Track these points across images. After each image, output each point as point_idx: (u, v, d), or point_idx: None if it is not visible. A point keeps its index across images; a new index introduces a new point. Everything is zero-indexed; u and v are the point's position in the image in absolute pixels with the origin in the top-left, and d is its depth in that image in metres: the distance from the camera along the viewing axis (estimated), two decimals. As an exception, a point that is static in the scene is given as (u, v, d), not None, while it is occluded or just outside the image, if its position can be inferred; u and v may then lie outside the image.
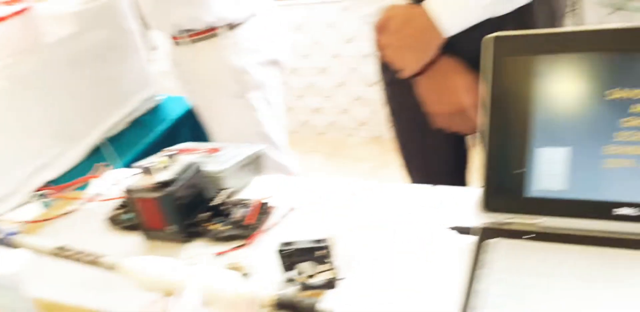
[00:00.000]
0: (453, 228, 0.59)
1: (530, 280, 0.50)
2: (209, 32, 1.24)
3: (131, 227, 0.72)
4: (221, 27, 1.24)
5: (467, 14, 0.75)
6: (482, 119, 0.56)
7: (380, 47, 0.81)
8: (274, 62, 1.35)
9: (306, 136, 2.53)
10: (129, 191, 0.66)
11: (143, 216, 0.68)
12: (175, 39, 1.29)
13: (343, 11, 2.03)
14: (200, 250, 0.66)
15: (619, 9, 1.47)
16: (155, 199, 0.65)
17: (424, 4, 0.76)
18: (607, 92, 0.51)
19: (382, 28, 0.81)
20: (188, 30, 1.25)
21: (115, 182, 0.85)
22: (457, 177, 1.06)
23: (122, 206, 0.75)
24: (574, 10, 1.60)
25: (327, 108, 2.40)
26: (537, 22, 0.81)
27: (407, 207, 0.67)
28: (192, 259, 0.64)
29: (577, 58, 0.51)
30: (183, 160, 0.68)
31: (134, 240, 0.71)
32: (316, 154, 2.40)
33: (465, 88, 0.81)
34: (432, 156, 1.00)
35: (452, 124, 0.85)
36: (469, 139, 1.03)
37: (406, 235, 0.62)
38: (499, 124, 0.55)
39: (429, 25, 0.75)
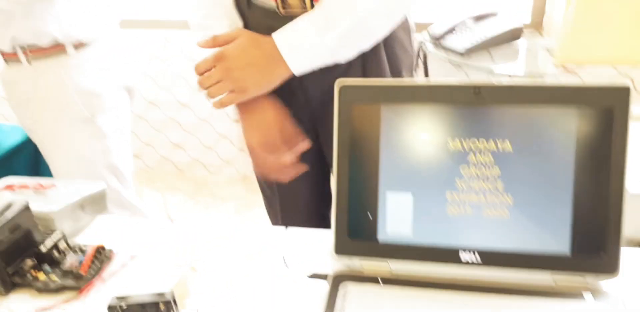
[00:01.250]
0: (311, 276, 0.58)
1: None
2: (55, 50, 1.13)
3: None
4: (68, 44, 1.13)
5: (312, 53, 0.76)
6: (335, 165, 0.56)
7: (221, 57, 0.78)
8: (125, 87, 1.27)
9: (166, 173, 2.42)
10: None
11: (-51, 265, 0.57)
12: (8, 55, 1.14)
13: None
14: (22, 304, 0.57)
15: (457, 66, 1.63)
16: (-35, 245, 0.55)
17: (272, 35, 0.77)
18: (449, 141, 0.54)
19: (227, 42, 0.79)
20: (27, 47, 1.12)
21: None
22: (319, 216, 1.07)
23: None
24: (424, 63, 1.74)
25: (190, 144, 2.32)
26: (384, 71, 0.86)
27: (263, 251, 0.64)
28: (7, 316, 0.55)
29: (419, 108, 0.54)
30: (3, 198, 0.59)
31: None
32: (177, 192, 2.29)
33: (271, 125, 0.82)
34: (288, 195, 0.99)
35: (265, 170, 0.86)
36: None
37: (262, 282, 0.59)
38: (348, 169, 0.56)
39: (275, 54, 0.76)
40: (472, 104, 0.53)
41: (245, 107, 0.83)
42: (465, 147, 0.53)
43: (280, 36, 0.76)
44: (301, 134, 0.84)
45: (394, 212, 0.55)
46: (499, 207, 0.53)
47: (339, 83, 0.56)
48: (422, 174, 0.54)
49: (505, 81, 0.53)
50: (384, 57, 0.85)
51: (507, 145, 0.53)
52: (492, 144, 0.53)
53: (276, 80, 0.78)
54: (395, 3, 0.76)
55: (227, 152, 2.30)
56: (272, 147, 0.83)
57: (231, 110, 2.25)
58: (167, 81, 2.17)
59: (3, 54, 1.15)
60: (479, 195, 0.54)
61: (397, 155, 0.55)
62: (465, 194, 0.54)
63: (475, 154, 0.53)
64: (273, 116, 0.82)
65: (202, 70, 0.79)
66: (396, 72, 0.87)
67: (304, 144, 0.84)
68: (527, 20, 1.77)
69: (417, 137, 0.54)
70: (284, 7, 0.79)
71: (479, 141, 0.53)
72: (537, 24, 1.78)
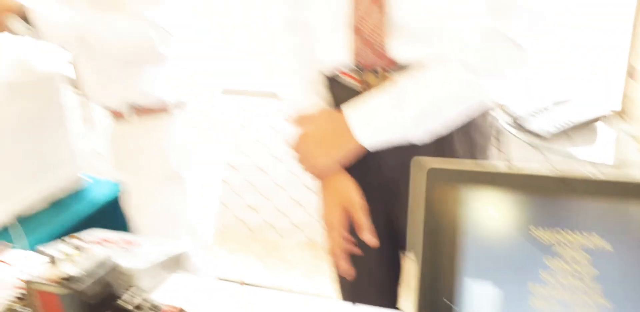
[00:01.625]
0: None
1: None
2: (159, 109, 1.21)
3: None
4: (173, 105, 1.22)
5: (382, 128, 0.79)
6: (413, 247, 0.55)
7: (301, 135, 0.85)
8: (218, 144, 1.34)
9: (239, 234, 2.46)
10: (29, 282, 0.60)
11: (41, 312, 0.61)
12: (118, 114, 1.24)
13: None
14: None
15: (535, 148, 1.60)
16: (59, 295, 0.59)
17: (342, 107, 0.82)
18: (532, 229, 0.52)
19: (303, 119, 0.86)
20: (134, 106, 1.21)
21: (18, 267, 0.77)
22: (387, 292, 1.04)
23: (20, 298, 0.67)
24: (498, 141, 1.72)
25: (264, 208, 2.37)
26: (457, 152, 0.86)
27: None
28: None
29: (504, 194, 0.53)
30: (96, 253, 0.62)
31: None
32: (249, 254, 2.33)
33: (339, 207, 0.84)
34: (358, 268, 0.98)
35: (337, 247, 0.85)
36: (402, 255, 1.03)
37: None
38: (429, 253, 0.55)
39: (344, 126, 0.80)
40: (559, 195, 0.52)
41: (325, 183, 0.86)
42: (550, 237, 0.52)
43: (350, 109, 0.80)
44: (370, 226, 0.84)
45: (473, 301, 0.53)
46: (593, 309, 0.50)
47: (421, 163, 0.55)
48: (503, 262, 0.53)
49: (596, 174, 0.51)
50: (458, 139, 0.86)
51: (604, 244, 0.50)
52: (580, 238, 0.51)
53: (343, 152, 0.81)
54: (470, 92, 0.78)
55: (298, 217, 2.33)
56: (335, 226, 0.84)
57: (306, 178, 2.29)
58: (247, 146, 2.27)
59: (111, 112, 1.26)
60: (569, 292, 0.51)
61: (478, 240, 0.53)
62: (553, 288, 0.51)
63: (562, 247, 0.51)
64: (347, 198, 0.84)
65: (292, 146, 0.87)
66: (470, 155, 0.87)
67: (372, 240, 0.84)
68: (617, 106, 1.73)
69: (499, 223, 0.53)
70: (363, 86, 0.84)
71: (564, 232, 0.51)
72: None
